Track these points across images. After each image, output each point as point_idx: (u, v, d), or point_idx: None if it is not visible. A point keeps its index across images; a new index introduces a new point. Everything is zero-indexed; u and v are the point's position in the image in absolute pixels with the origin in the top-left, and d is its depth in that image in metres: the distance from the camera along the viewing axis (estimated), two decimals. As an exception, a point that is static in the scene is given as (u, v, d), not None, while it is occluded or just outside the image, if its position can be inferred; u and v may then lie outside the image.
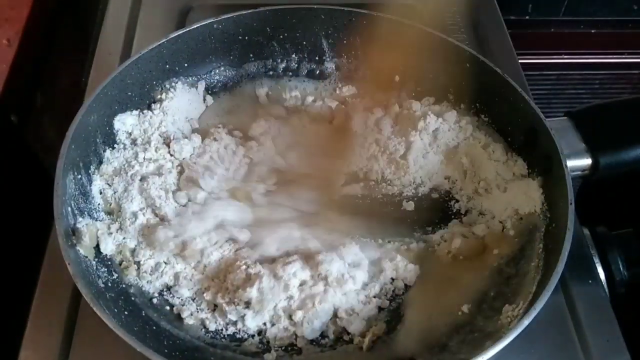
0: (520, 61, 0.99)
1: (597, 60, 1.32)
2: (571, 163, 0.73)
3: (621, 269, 0.76)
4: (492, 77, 0.80)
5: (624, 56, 1.32)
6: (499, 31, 1.04)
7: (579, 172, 0.76)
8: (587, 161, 0.76)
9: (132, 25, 1.01)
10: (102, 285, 0.68)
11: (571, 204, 0.68)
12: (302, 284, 0.69)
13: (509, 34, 1.04)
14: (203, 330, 0.69)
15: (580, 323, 0.72)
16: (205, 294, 0.70)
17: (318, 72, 0.91)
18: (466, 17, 1.05)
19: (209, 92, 0.89)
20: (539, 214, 0.74)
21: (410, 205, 0.80)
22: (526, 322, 0.60)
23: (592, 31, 1.30)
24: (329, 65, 0.91)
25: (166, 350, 0.66)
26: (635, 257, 0.77)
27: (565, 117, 0.80)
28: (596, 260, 0.77)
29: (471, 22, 1.05)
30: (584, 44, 1.31)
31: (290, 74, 0.91)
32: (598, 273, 0.76)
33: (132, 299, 0.69)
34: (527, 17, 1.27)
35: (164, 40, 0.82)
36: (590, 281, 0.75)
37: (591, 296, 0.74)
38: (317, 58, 0.90)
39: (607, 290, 0.76)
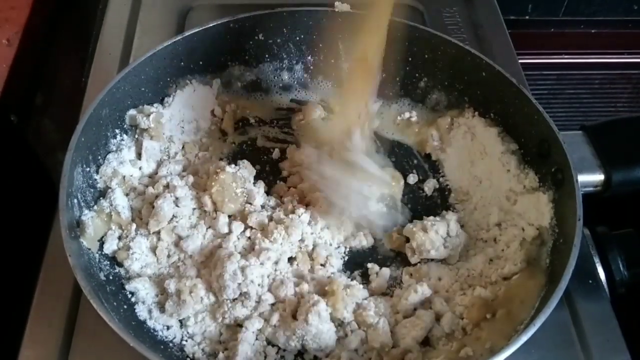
0: (520, 61, 0.99)
1: (597, 60, 1.32)
2: (583, 178, 0.73)
3: (621, 269, 0.76)
4: (507, 87, 0.80)
5: (623, 56, 1.32)
6: (498, 31, 1.04)
7: (591, 188, 0.76)
8: (599, 177, 0.76)
9: (132, 25, 1.02)
10: (104, 279, 0.68)
11: (579, 219, 0.67)
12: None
13: (509, 34, 1.04)
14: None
15: (581, 323, 0.73)
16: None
17: (333, 74, 0.91)
18: (466, 17, 1.06)
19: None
20: (548, 229, 0.73)
21: None
22: (524, 338, 0.60)
23: (592, 31, 1.29)
24: (344, 68, 0.90)
25: (162, 347, 0.66)
26: (636, 257, 0.77)
27: (580, 131, 0.79)
28: (596, 260, 0.77)
29: (471, 22, 1.05)
30: (583, 43, 1.31)
31: (307, 75, 0.92)
32: (598, 273, 0.76)
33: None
34: (527, 17, 1.27)
35: (179, 38, 0.82)
36: (590, 281, 0.75)
37: (591, 296, 0.74)
38: (332, 61, 0.90)
39: (607, 290, 0.75)
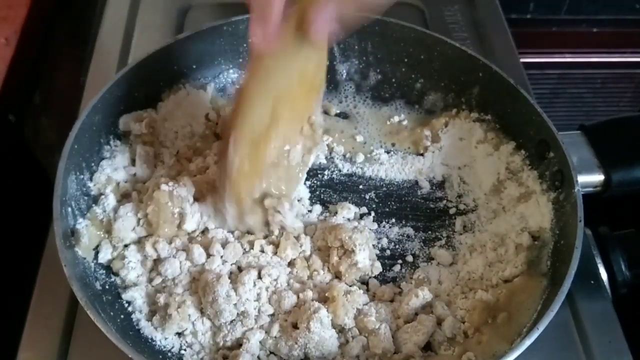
0: (521, 60, 0.99)
1: (599, 59, 1.32)
2: (583, 178, 0.72)
3: (623, 269, 0.76)
4: (504, 87, 0.79)
5: (626, 55, 1.32)
6: (500, 30, 1.04)
7: (591, 189, 0.75)
8: (599, 177, 0.75)
9: (130, 24, 1.01)
10: (100, 288, 0.67)
11: (580, 221, 0.67)
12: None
13: (511, 33, 1.03)
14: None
15: (582, 324, 0.72)
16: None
17: (329, 76, 0.89)
18: (467, 16, 1.05)
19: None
20: (548, 230, 0.72)
21: None
22: (528, 342, 0.60)
23: (594, 30, 1.29)
24: (340, 70, 0.90)
25: (160, 356, 0.65)
26: (638, 257, 0.77)
27: (579, 131, 0.79)
28: (598, 260, 0.76)
29: (472, 21, 1.05)
30: (585, 42, 1.30)
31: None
32: (600, 273, 0.76)
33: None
34: (528, 16, 1.27)
35: (172, 41, 0.81)
36: (592, 282, 0.75)
37: (593, 297, 0.74)
38: (327, 63, 0.89)
39: (609, 290, 0.75)
